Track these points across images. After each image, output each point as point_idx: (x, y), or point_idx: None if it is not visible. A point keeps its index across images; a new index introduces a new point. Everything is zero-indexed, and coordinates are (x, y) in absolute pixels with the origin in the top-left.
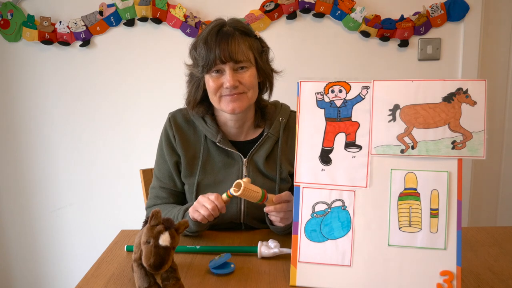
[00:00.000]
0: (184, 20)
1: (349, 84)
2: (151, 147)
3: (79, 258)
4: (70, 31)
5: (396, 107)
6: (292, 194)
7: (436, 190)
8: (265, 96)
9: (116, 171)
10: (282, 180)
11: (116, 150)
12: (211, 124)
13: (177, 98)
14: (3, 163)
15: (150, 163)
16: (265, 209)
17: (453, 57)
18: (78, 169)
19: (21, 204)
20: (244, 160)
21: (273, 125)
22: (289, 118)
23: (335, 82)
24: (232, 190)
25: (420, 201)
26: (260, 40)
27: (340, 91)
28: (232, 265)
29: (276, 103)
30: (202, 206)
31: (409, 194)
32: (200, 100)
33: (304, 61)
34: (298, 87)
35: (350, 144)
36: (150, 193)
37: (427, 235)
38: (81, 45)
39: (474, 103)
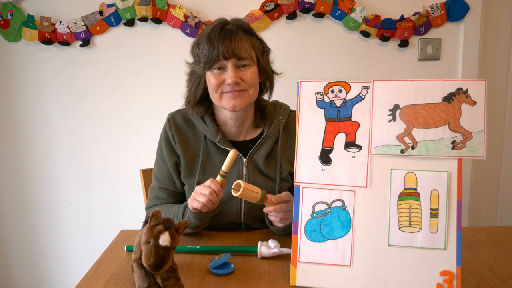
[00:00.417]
0: (184, 20)
1: (349, 84)
2: (151, 147)
3: (79, 258)
4: (70, 31)
5: (396, 107)
6: (292, 194)
7: (436, 190)
8: (265, 97)
9: (116, 171)
10: (282, 179)
11: (116, 150)
12: (210, 124)
13: (177, 98)
14: (3, 163)
15: (150, 163)
16: (265, 210)
17: (453, 57)
18: (78, 169)
19: (21, 204)
20: (244, 160)
21: (273, 124)
22: (289, 118)
23: (335, 82)
24: (224, 168)
25: (420, 201)
26: (261, 41)
27: (340, 91)
28: (232, 265)
29: (275, 103)
30: (200, 194)
31: (409, 194)
32: (200, 99)
33: (304, 61)
34: (298, 87)
35: (350, 144)
36: (149, 194)
37: (427, 235)
38: (81, 45)
39: (474, 103)
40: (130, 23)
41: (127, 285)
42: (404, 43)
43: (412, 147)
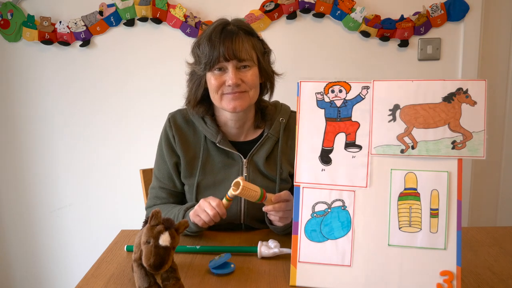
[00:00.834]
0: (184, 20)
1: (349, 84)
2: (151, 147)
3: (79, 258)
4: (70, 31)
5: (396, 107)
6: (292, 194)
7: (436, 190)
8: (266, 97)
9: (116, 171)
10: (282, 180)
11: (116, 150)
12: (211, 124)
13: (177, 98)
14: (3, 163)
15: (150, 163)
16: (264, 208)
17: (453, 57)
18: (78, 169)
19: (21, 204)
20: (244, 160)
21: (273, 125)
22: (289, 119)
23: (335, 82)
24: (230, 192)
25: (420, 201)
26: (262, 42)
27: (340, 91)
28: (232, 265)
29: (276, 104)
30: (203, 211)
31: (409, 194)
32: (200, 99)
33: (304, 61)
34: (298, 87)
35: (350, 144)
36: (149, 193)
37: (427, 235)
38: (81, 45)
39: (474, 103)
40: (130, 23)
41: (127, 285)
42: (404, 43)
43: (412, 147)
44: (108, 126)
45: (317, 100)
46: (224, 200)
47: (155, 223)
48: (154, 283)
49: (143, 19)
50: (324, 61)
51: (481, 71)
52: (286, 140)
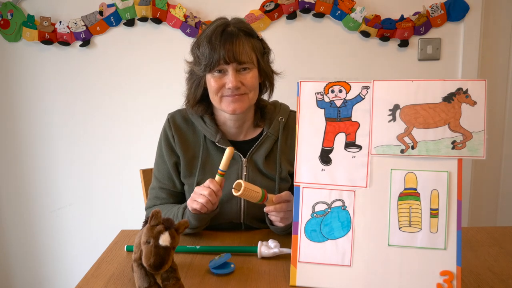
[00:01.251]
0: (184, 20)
1: (349, 84)
2: (151, 147)
3: (79, 258)
4: (70, 31)
5: (396, 107)
6: (292, 194)
7: (436, 190)
8: (265, 97)
9: (116, 171)
10: (282, 179)
11: (116, 150)
12: (210, 124)
13: (177, 97)
14: (3, 163)
15: (150, 163)
16: (265, 209)
17: (453, 57)
18: (78, 169)
19: (21, 204)
20: (244, 159)
21: (273, 124)
22: (289, 118)
23: (335, 82)
24: (221, 167)
25: (420, 201)
26: (262, 41)
27: (340, 91)
28: (232, 265)
29: (275, 103)
30: (199, 195)
31: (409, 194)
32: (199, 99)
33: (304, 61)
34: (298, 87)
35: (350, 144)
36: (149, 194)
37: (427, 235)
38: (81, 45)
39: (474, 103)
40: (130, 23)
41: (127, 285)
42: (404, 43)
43: (412, 147)
44: (108, 126)
45: (317, 100)
46: (217, 177)
47: (155, 223)
48: (154, 283)
49: (143, 19)
50: (324, 61)
51: (481, 71)
52: (286, 139)
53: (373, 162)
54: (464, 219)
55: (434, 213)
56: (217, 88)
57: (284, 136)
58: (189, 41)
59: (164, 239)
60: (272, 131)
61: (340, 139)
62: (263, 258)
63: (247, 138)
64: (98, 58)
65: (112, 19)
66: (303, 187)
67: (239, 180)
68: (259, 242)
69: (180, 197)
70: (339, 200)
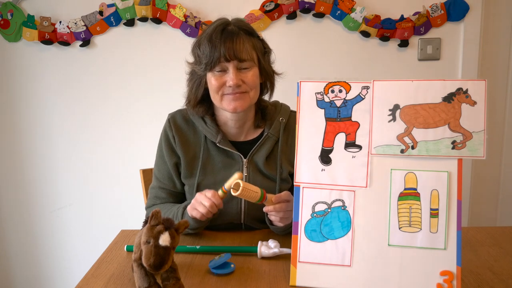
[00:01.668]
0: (184, 20)
1: (349, 84)
2: (151, 147)
3: (79, 258)
4: (70, 31)
5: (396, 107)
6: (292, 194)
7: (436, 190)
8: (266, 97)
9: (116, 171)
10: (283, 180)
11: (116, 150)
12: (211, 124)
13: (177, 98)
14: (3, 163)
15: (150, 163)
16: (265, 209)
17: (453, 57)
18: (78, 169)
19: (21, 204)
20: (244, 160)
21: (273, 125)
22: (289, 118)
23: (335, 82)
24: (228, 184)
25: (420, 201)
26: (262, 41)
27: (340, 91)
28: (232, 265)
29: (276, 103)
30: (200, 204)
31: (409, 194)
32: (200, 99)
33: (304, 61)
34: (298, 87)
35: (350, 144)
36: (149, 193)
37: (427, 235)
38: (81, 45)
39: (474, 103)
40: (130, 23)
41: (127, 285)
42: (404, 43)
43: (412, 147)
44: (108, 126)
45: (317, 100)
46: (219, 192)
47: (155, 223)
48: (154, 283)
49: (143, 19)
50: (324, 61)
51: (481, 71)
52: (286, 140)
53: (373, 162)
54: (464, 219)
55: (434, 213)
56: (218, 87)
57: (285, 136)
58: (189, 41)
59: (164, 239)
60: (272, 131)
61: (340, 139)
62: (263, 258)
63: (248, 139)
64: (98, 58)
65: (112, 19)
66: (303, 187)
67: (238, 180)
68: (259, 242)
69: (180, 197)
70: (339, 200)
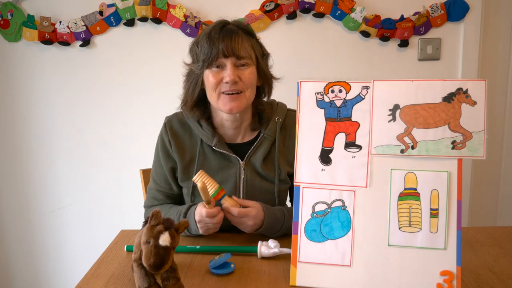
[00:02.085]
0: (184, 20)
1: (349, 84)
2: (151, 147)
3: (79, 258)
4: (70, 31)
5: (396, 107)
6: (292, 194)
7: (436, 190)
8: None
9: (116, 171)
10: (281, 181)
11: (116, 150)
12: (206, 127)
13: (177, 97)
14: (3, 163)
15: (150, 163)
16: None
17: (453, 57)
18: (78, 169)
19: (21, 204)
20: (242, 162)
21: (269, 125)
22: (286, 117)
23: (335, 82)
24: (205, 200)
25: (420, 201)
26: (261, 45)
27: (340, 91)
28: (232, 265)
29: (272, 103)
30: (213, 225)
31: (409, 194)
32: (196, 101)
33: (304, 61)
34: (298, 87)
35: (350, 144)
36: (147, 193)
37: (427, 235)
38: (81, 45)
39: (474, 103)
40: (130, 23)
41: (127, 285)
42: (404, 43)
43: (412, 147)
44: (108, 126)
45: (317, 100)
46: (208, 206)
47: (155, 223)
48: (154, 283)
49: (143, 19)
50: (324, 61)
51: (481, 71)
52: (284, 140)
53: (373, 162)
54: (464, 219)
55: (434, 213)
56: (215, 83)
57: (282, 136)
58: (189, 41)
59: (164, 239)
60: (269, 132)
61: (340, 139)
62: (263, 258)
63: (245, 141)
64: (98, 58)
65: (112, 19)
66: (303, 187)
67: (201, 171)
68: (259, 242)
69: (177, 199)
70: (339, 200)
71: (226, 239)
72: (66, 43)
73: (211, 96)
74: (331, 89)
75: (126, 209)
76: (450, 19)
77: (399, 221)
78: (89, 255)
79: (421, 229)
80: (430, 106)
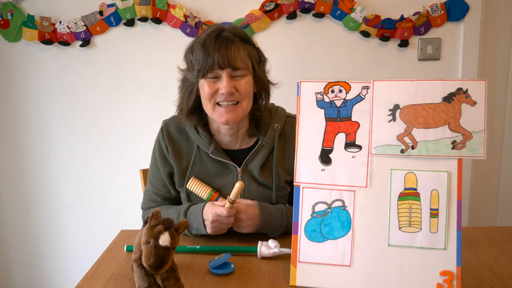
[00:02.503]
0: (184, 20)
1: (349, 84)
2: (151, 147)
3: (79, 258)
4: (70, 31)
5: (396, 107)
6: (292, 199)
7: (436, 190)
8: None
9: (116, 171)
10: (279, 188)
11: (116, 150)
12: (203, 134)
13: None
14: (3, 163)
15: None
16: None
17: (453, 57)
18: (78, 169)
19: (21, 204)
20: (239, 169)
21: (268, 133)
22: (285, 124)
23: (335, 82)
24: (232, 197)
25: (420, 201)
26: (258, 50)
27: (340, 91)
28: (232, 265)
29: (271, 108)
30: (224, 225)
31: (409, 194)
32: (192, 108)
33: (304, 61)
34: (298, 87)
35: (350, 144)
36: (144, 194)
37: (427, 235)
38: (81, 45)
39: (474, 103)
40: (130, 23)
41: (127, 285)
42: (404, 43)
43: (412, 147)
44: (108, 126)
45: (317, 100)
46: (227, 204)
47: (155, 223)
48: (154, 283)
49: (143, 19)
50: (324, 61)
51: (481, 71)
52: (282, 148)
53: (373, 162)
54: (464, 219)
55: (434, 213)
56: (210, 94)
57: (281, 144)
58: (189, 41)
59: (164, 239)
60: (267, 140)
61: (340, 139)
62: (263, 258)
63: (243, 147)
64: (98, 58)
65: (112, 19)
66: (303, 187)
67: (192, 177)
68: (259, 242)
69: (174, 201)
70: (339, 200)
71: (226, 239)
72: (66, 43)
73: (206, 106)
74: (331, 89)
75: (126, 209)
76: (450, 19)
77: (399, 221)
78: (89, 255)
79: (421, 229)
80: (430, 106)
